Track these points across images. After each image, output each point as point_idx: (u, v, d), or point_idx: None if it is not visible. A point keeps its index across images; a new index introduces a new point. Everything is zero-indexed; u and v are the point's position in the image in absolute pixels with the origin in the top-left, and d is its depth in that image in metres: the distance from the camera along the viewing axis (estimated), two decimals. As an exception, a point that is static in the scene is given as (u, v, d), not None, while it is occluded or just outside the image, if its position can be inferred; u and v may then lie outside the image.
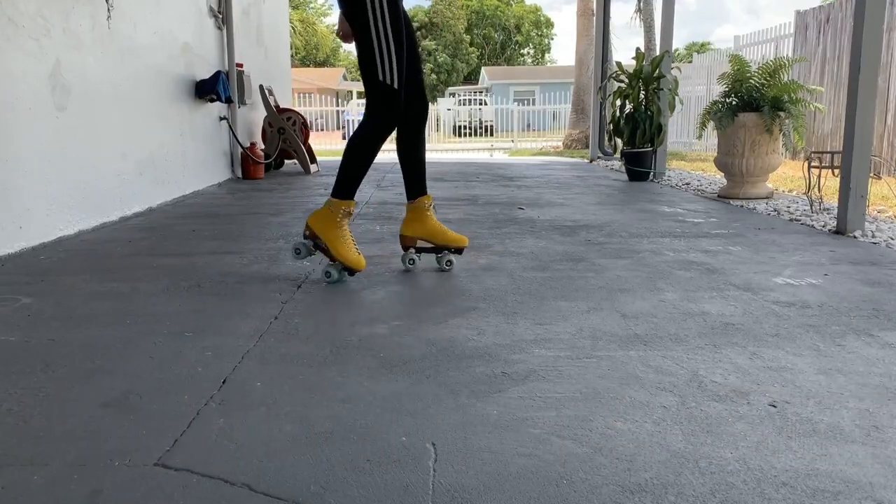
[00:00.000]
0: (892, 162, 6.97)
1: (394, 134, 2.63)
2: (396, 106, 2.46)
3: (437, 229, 2.71)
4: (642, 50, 6.74)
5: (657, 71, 6.13)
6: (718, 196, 5.13)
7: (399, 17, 2.44)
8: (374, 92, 2.46)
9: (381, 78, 2.43)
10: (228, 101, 5.90)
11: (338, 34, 2.79)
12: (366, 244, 3.26)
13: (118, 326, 2.05)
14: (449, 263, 2.74)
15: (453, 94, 31.98)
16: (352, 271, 2.54)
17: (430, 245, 2.74)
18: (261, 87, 6.76)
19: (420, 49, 2.62)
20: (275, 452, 1.30)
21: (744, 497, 1.15)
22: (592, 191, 5.54)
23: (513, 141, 17.07)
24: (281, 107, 7.26)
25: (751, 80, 4.93)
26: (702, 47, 45.79)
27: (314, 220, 2.53)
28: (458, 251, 2.76)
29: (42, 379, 1.66)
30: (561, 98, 18.52)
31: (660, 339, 1.93)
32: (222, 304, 2.28)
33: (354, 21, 2.45)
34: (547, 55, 52.02)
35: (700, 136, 6.15)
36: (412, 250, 2.75)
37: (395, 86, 2.44)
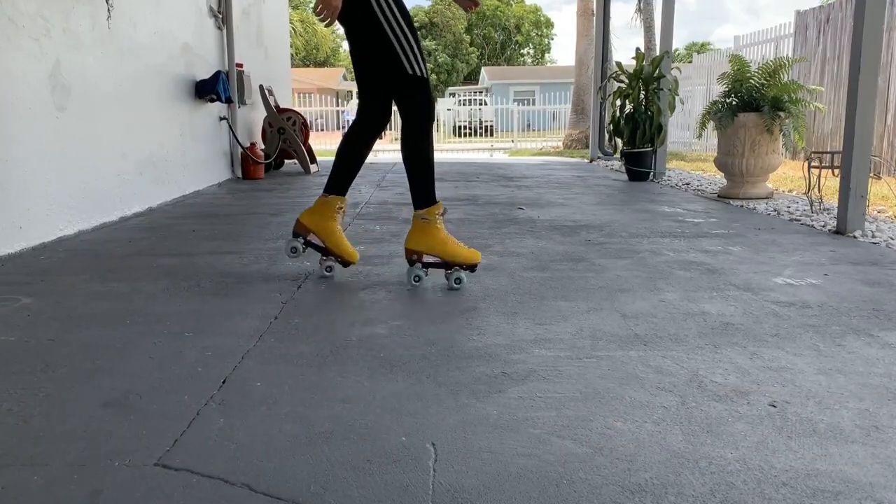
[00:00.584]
0: (892, 162, 6.97)
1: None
2: (430, 92, 2.41)
3: (333, 232, 2.58)
4: (642, 50, 6.75)
5: (657, 71, 6.13)
6: (718, 196, 5.13)
7: (405, 7, 2.39)
8: (406, 89, 2.39)
9: (410, 72, 2.36)
10: (228, 101, 5.90)
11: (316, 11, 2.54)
12: (366, 244, 3.27)
13: (118, 326, 2.05)
14: (329, 268, 2.62)
15: (453, 94, 31.99)
16: (474, 267, 2.47)
17: (321, 245, 2.59)
18: (261, 87, 6.76)
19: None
20: (275, 452, 1.30)
21: (744, 497, 1.15)
22: (592, 191, 5.54)
23: (513, 141, 17.07)
24: (281, 107, 7.26)
25: (751, 80, 4.93)
26: (702, 47, 45.80)
27: (415, 241, 2.44)
28: (344, 264, 2.63)
29: (42, 379, 1.66)
30: (561, 98, 18.53)
31: (660, 339, 1.93)
32: (222, 304, 2.28)
33: (362, 27, 2.37)
34: (547, 55, 52.05)
35: (700, 136, 6.15)
36: (301, 239, 2.59)
37: (425, 75, 2.39)
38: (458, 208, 4.49)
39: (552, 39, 54.77)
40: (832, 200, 4.28)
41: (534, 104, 24.19)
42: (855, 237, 3.45)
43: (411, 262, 2.48)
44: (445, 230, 2.48)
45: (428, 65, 2.50)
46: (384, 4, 2.34)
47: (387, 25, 2.35)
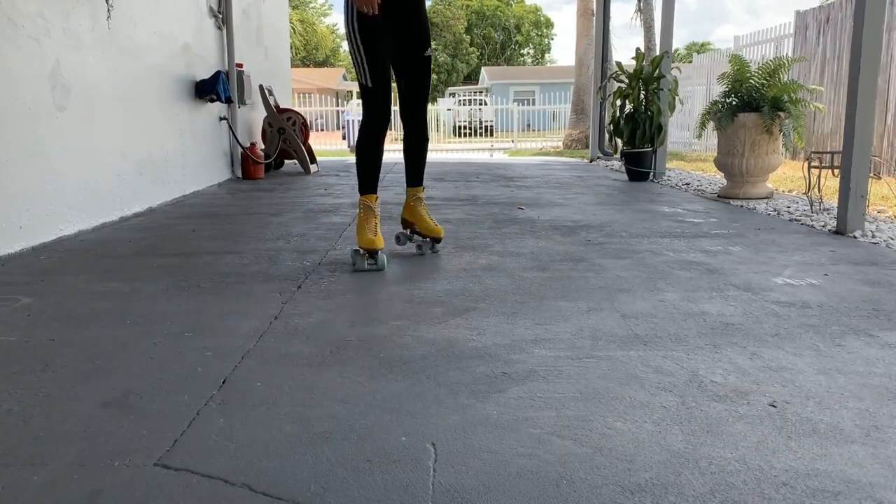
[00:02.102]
0: (892, 162, 6.97)
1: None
2: (376, 101, 2.77)
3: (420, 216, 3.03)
4: (642, 50, 6.75)
5: (657, 71, 6.13)
6: (718, 196, 5.13)
7: (366, 23, 2.64)
8: (362, 97, 2.81)
9: (363, 82, 2.75)
10: (228, 101, 5.90)
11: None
12: (366, 244, 3.27)
13: (118, 326, 2.05)
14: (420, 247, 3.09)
15: (453, 94, 31.98)
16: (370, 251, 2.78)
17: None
18: (261, 87, 6.76)
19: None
20: (275, 452, 1.30)
21: (744, 497, 1.15)
22: (592, 191, 5.54)
23: (513, 141, 17.06)
24: (281, 107, 7.26)
25: (751, 80, 4.93)
26: (702, 47, 45.80)
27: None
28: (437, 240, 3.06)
29: (42, 379, 1.66)
30: (561, 98, 18.51)
31: (660, 339, 1.93)
32: (222, 304, 2.28)
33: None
34: (547, 55, 52.04)
35: (700, 136, 6.15)
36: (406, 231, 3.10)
37: (370, 84, 2.73)
38: (459, 208, 4.49)
39: (552, 39, 54.81)
40: (832, 200, 4.28)
41: (534, 104, 24.17)
42: (855, 237, 3.45)
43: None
44: (360, 218, 2.88)
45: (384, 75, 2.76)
46: (351, 20, 2.67)
47: (350, 40, 2.71)
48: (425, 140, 3.02)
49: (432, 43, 2.94)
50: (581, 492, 1.17)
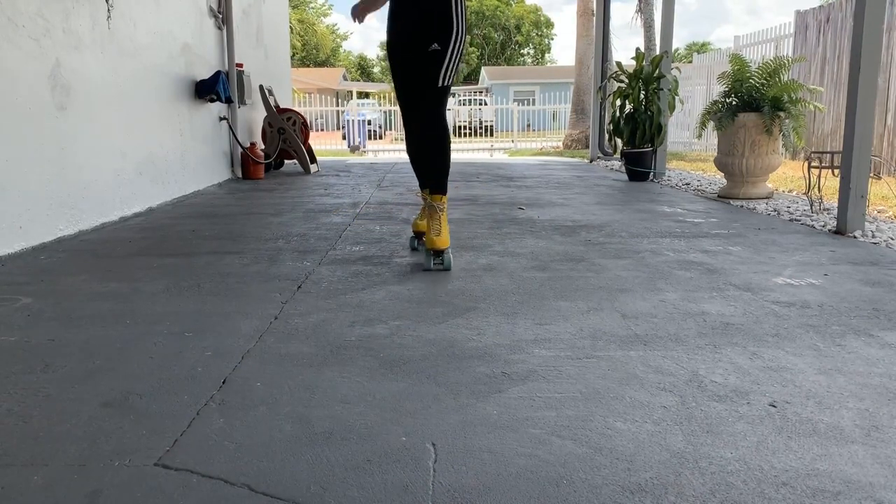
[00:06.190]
0: (892, 162, 6.97)
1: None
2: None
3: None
4: (642, 50, 6.75)
5: (657, 71, 6.13)
6: (718, 196, 5.13)
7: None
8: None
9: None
10: (228, 101, 5.90)
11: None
12: (366, 244, 3.27)
13: (118, 326, 2.05)
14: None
15: (453, 94, 31.95)
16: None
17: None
18: (261, 87, 6.76)
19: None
20: (275, 452, 1.30)
21: (744, 497, 1.15)
22: (592, 191, 5.54)
23: (513, 141, 17.04)
24: (281, 107, 7.26)
25: (751, 80, 4.93)
26: (702, 47, 45.84)
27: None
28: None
29: (42, 379, 1.66)
30: (561, 98, 18.50)
31: (660, 339, 1.93)
32: (222, 304, 2.28)
33: None
34: (547, 55, 52.05)
35: (700, 136, 6.15)
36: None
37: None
38: (459, 208, 4.49)
39: (552, 39, 54.87)
40: (832, 200, 4.28)
41: (534, 104, 24.17)
42: (855, 237, 3.45)
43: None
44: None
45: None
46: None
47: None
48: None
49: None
50: (581, 492, 1.17)
